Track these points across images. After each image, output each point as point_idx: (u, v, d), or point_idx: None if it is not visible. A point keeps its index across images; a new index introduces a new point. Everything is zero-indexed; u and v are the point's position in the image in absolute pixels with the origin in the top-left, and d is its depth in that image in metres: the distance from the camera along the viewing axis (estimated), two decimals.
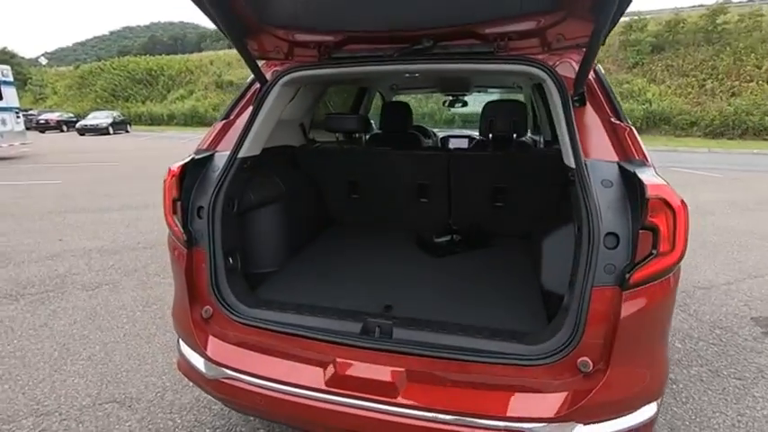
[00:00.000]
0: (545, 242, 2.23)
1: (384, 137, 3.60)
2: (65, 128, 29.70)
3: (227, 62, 39.29)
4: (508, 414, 1.41)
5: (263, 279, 2.22)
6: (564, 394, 1.40)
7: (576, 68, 1.83)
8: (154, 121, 36.17)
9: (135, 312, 3.51)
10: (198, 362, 1.73)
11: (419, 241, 2.65)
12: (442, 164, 2.56)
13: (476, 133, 4.71)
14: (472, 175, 2.58)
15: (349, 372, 1.51)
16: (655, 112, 22.21)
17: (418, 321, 1.69)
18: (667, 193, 1.30)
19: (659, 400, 1.51)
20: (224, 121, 2.08)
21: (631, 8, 1.41)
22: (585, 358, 1.41)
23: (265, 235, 2.34)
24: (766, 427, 2.27)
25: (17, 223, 6.13)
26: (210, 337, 1.74)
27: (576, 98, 1.69)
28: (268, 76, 2.06)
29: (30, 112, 29.81)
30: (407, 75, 2.04)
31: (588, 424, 1.40)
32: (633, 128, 1.66)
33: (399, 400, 1.46)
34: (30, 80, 46.15)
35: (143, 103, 38.94)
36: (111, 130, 27.52)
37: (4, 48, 57.02)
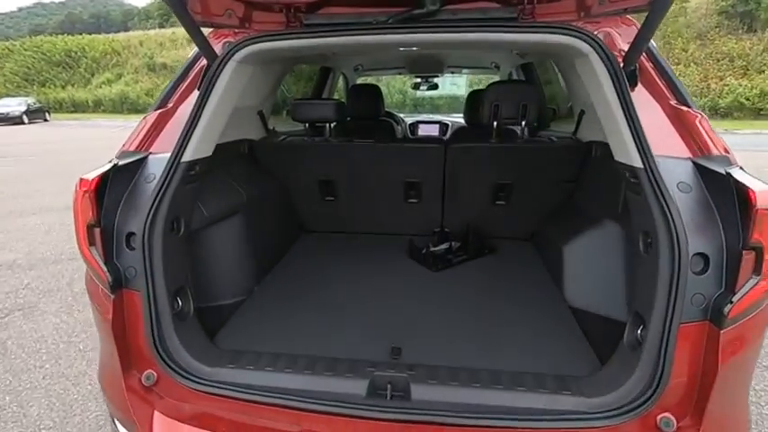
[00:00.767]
0: (567, 249, 1.91)
1: (352, 126, 3.14)
2: None
3: (160, 42, 36.27)
4: None
5: (227, 315, 1.74)
6: None
7: (619, 40, 1.48)
8: (78, 107, 32.84)
9: (58, 345, 2.86)
10: None
11: (412, 251, 2.25)
12: (437, 158, 2.17)
13: (448, 118, 4.36)
14: (472, 170, 2.21)
15: None
16: None
17: (439, 371, 1.30)
18: None
19: None
20: (159, 112, 1.55)
21: None
22: (668, 414, 1.11)
23: (225, 258, 1.84)
24: None
25: None
26: (156, 414, 1.26)
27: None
28: (218, 49, 1.54)
29: None
30: (402, 48, 1.61)
31: None
32: (704, 115, 1.34)
33: None
34: None
35: (63, 87, 35.15)
36: (25, 119, 24.38)
37: None
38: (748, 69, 20.68)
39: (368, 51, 2.12)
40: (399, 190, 2.35)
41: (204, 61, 1.56)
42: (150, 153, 1.46)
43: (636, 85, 1.37)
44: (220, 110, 1.51)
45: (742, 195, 1.04)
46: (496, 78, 4.12)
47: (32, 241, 4.84)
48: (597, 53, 1.34)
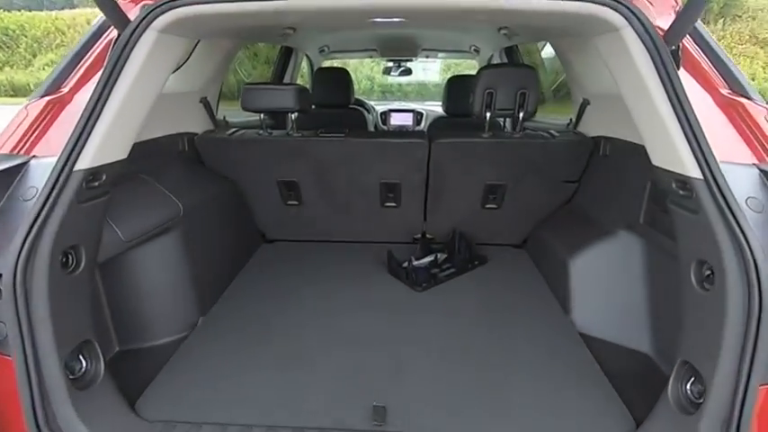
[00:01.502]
0: (574, 264, 1.63)
1: (318, 116, 2.74)
2: None
3: None
4: None
5: (161, 360, 1.35)
6: None
7: (653, 13, 1.17)
8: (18, 91, 30.27)
9: None
10: None
11: (391, 266, 1.91)
12: (420, 155, 1.82)
13: (422, 107, 4.02)
14: (461, 169, 1.88)
15: None
16: None
17: None
18: None
19: None
20: (48, 99, 1.12)
21: None
22: None
23: (155, 288, 1.45)
24: None
25: None
26: None
27: None
28: (132, 14, 1.13)
29: None
30: (375, 20, 1.26)
31: None
32: None
33: None
34: None
35: (0, 69, 32.37)
36: None
37: None
38: None
39: (332, 21, 1.74)
40: (375, 192, 2.00)
41: (114, 32, 1.15)
42: (33, 157, 1.05)
43: (678, 68, 1.08)
44: (137, 96, 1.11)
45: None
46: (475, 64, 3.80)
47: None
48: (634, 27, 1.03)
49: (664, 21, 1.14)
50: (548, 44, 3.29)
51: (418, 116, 3.87)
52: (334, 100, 2.82)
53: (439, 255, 1.99)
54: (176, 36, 1.19)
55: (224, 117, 2.27)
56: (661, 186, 1.09)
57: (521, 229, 2.17)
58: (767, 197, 0.92)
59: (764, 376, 0.86)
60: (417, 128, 3.75)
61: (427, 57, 3.88)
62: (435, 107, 4.04)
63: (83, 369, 1.05)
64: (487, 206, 2.03)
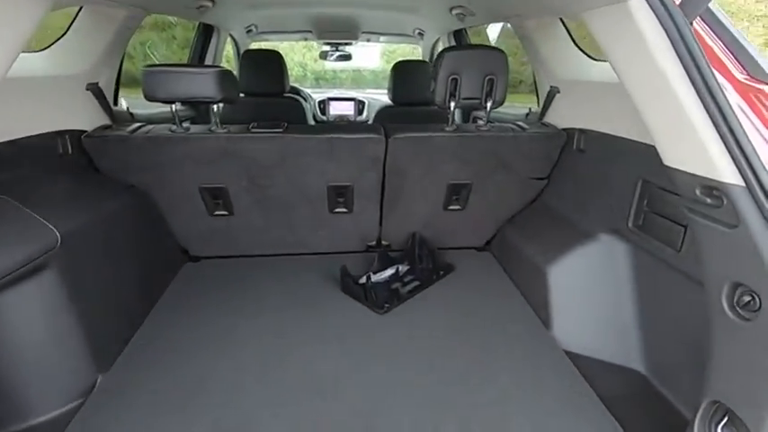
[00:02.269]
0: (553, 272, 1.46)
1: (246, 107, 2.36)
2: None
3: None
4: None
5: None
6: None
7: None
8: None
9: None
10: None
11: (345, 284, 1.62)
12: (375, 152, 1.54)
13: (364, 95, 3.73)
14: (423, 168, 1.62)
15: None
16: None
17: None
18: None
19: None
20: None
21: None
22: None
23: (26, 352, 1.05)
24: None
25: None
26: None
27: None
28: None
29: None
30: None
31: None
32: None
33: None
34: None
35: None
36: None
37: None
38: None
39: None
40: (322, 197, 1.69)
41: None
42: None
43: None
44: None
45: None
46: (418, 49, 3.57)
47: None
48: None
49: None
50: (490, 27, 3.15)
51: (360, 105, 3.57)
52: (266, 88, 2.44)
53: (400, 267, 1.73)
54: None
55: (127, 108, 1.82)
56: (682, 193, 0.90)
57: (484, 230, 1.97)
58: None
59: None
60: (359, 118, 3.45)
61: (368, 40, 3.57)
62: (376, 95, 3.76)
63: None
64: (450, 207, 1.80)
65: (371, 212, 1.79)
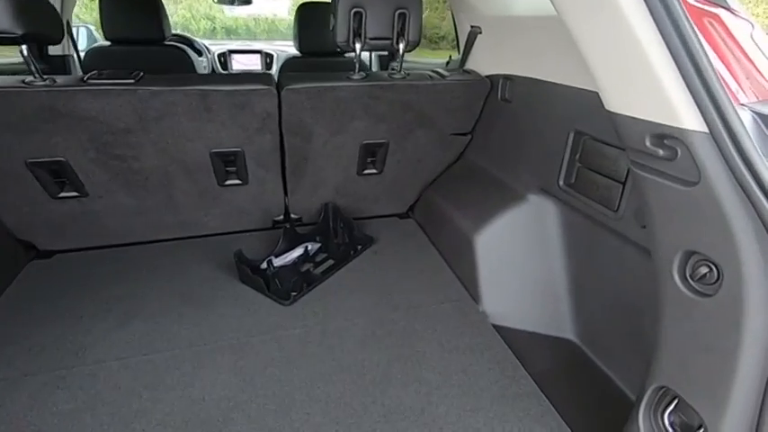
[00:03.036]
0: (479, 241, 1.30)
1: (112, 56, 1.90)
2: None
3: None
4: None
5: None
6: None
7: None
8: None
9: None
10: None
11: (242, 271, 1.34)
12: (265, 108, 1.23)
13: (272, 47, 3.29)
14: (328, 126, 1.34)
15: None
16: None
17: None
18: None
19: None
20: None
21: None
22: None
23: None
24: None
25: None
26: None
27: None
28: None
29: None
30: None
31: None
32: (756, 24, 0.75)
33: None
34: None
35: None
36: None
37: None
38: None
39: None
40: (206, 166, 1.36)
41: None
42: None
43: None
44: None
45: None
46: None
47: None
48: None
49: None
50: None
51: (268, 58, 3.14)
52: (138, 33, 1.97)
53: (309, 245, 1.48)
54: None
55: None
56: (627, 144, 0.73)
57: (406, 195, 1.77)
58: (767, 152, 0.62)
59: None
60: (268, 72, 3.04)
61: None
62: (286, 47, 3.34)
63: None
64: (366, 172, 1.56)
65: (273, 183, 1.49)
